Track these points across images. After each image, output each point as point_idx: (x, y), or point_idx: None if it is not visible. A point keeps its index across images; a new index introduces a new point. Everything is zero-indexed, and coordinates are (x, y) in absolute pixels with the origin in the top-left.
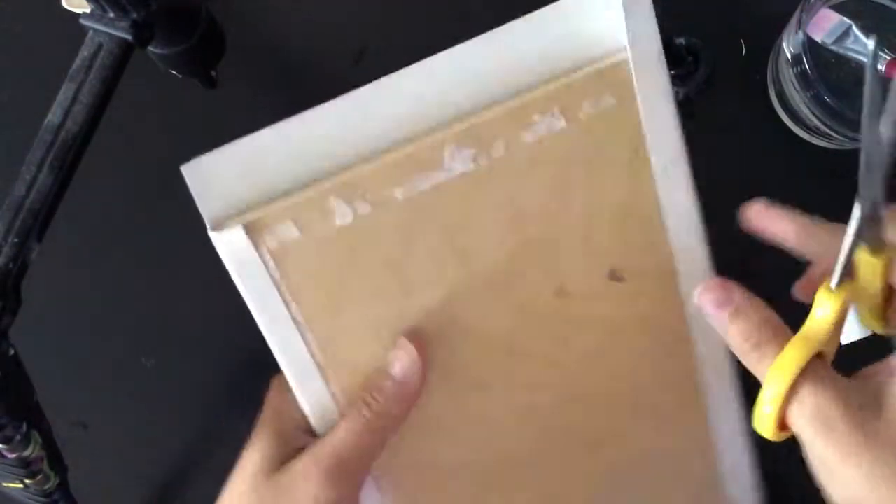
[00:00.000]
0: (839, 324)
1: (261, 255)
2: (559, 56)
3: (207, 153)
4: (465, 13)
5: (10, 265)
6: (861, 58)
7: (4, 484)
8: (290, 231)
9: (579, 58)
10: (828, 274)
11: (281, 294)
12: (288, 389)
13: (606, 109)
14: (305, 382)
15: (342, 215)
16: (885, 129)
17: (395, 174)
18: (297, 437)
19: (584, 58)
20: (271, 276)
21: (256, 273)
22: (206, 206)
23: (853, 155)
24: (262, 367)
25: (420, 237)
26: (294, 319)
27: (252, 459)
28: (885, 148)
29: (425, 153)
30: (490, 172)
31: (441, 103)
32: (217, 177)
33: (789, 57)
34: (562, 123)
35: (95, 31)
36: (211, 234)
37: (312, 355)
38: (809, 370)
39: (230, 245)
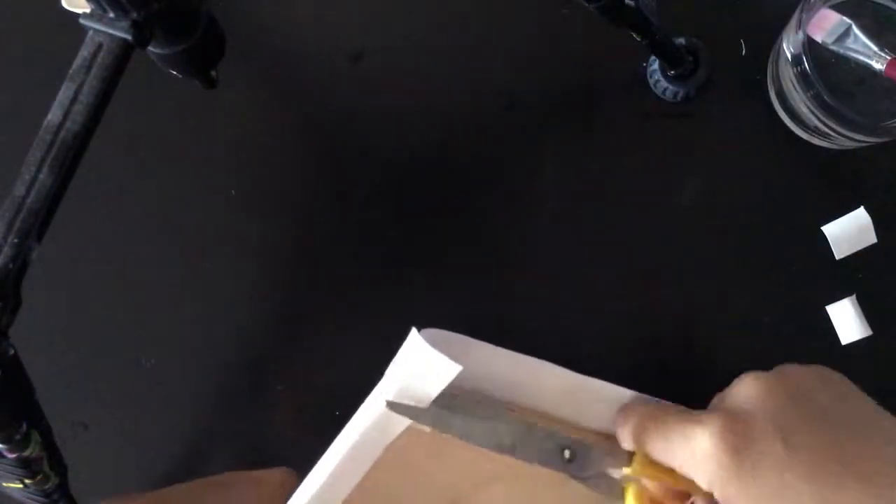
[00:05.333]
0: None
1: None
2: None
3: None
4: (463, 14)
5: (10, 265)
6: (861, 58)
7: (4, 484)
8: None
9: None
10: None
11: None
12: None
13: None
14: None
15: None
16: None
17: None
18: None
19: None
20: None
21: (374, 450)
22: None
23: (853, 155)
24: (262, 368)
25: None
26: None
27: None
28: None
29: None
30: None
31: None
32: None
33: (789, 57)
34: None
35: (95, 31)
36: (386, 403)
37: None
38: None
39: (384, 420)
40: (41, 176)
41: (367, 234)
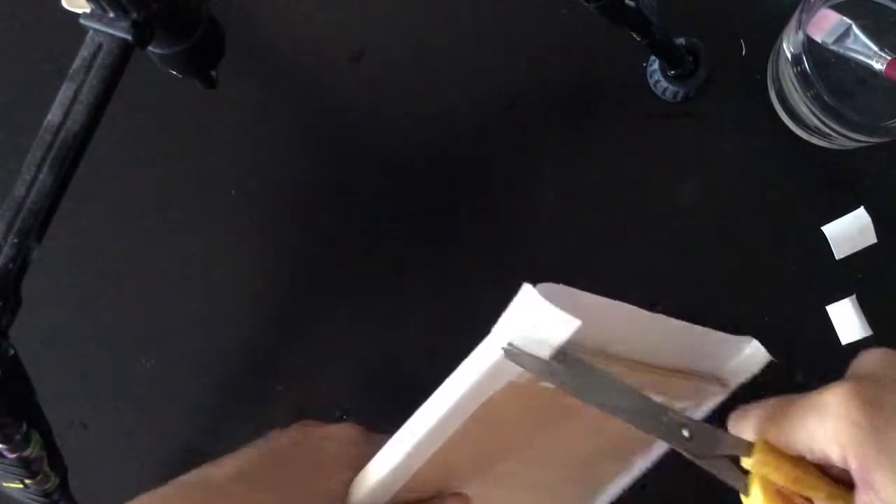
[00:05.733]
0: None
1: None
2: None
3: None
4: (463, 14)
5: (10, 265)
6: (861, 58)
7: (4, 484)
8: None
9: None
10: None
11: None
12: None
13: None
14: (398, 471)
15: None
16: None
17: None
18: None
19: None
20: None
21: (475, 402)
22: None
23: (853, 155)
24: (262, 367)
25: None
26: (444, 442)
27: None
28: None
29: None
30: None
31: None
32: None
33: (789, 57)
34: None
35: (95, 31)
36: (503, 350)
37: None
38: None
39: (498, 367)
40: (41, 176)
41: (367, 234)
